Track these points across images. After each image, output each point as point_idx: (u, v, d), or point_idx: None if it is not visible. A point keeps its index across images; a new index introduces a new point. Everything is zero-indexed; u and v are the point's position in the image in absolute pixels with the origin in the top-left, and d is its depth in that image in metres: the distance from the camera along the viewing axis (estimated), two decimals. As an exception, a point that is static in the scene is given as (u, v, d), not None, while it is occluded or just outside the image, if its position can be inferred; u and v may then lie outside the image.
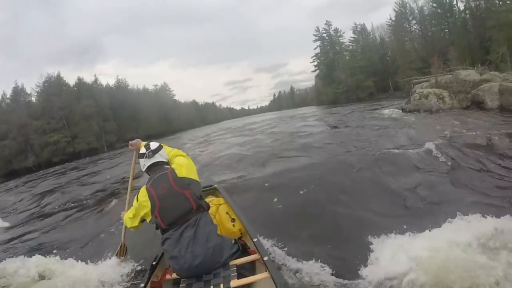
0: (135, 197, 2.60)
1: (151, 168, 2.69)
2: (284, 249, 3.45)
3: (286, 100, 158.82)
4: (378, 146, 7.56)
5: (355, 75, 59.64)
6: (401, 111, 16.97)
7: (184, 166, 2.61)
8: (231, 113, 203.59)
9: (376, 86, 58.09)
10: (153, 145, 2.79)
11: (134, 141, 3.09)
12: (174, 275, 2.52)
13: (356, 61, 60.80)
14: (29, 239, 5.95)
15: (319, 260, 3.03)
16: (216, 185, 4.14)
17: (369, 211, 4.16)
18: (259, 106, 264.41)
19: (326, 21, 71.32)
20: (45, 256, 3.86)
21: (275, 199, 4.82)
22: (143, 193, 2.52)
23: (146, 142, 2.89)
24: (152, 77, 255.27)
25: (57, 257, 3.84)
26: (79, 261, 3.82)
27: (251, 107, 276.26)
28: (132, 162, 3.46)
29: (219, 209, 3.25)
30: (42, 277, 3.54)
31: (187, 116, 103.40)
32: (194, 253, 2.28)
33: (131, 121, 75.72)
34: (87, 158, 45.46)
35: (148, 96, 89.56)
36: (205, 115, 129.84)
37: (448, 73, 20.50)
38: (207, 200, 3.03)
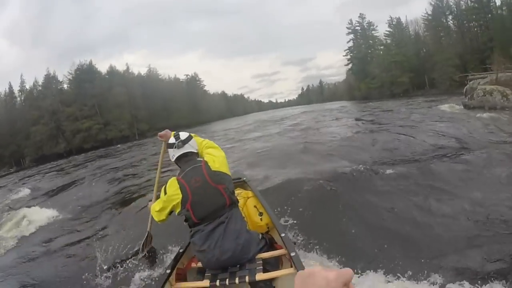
0: (163, 189, 2.51)
1: (180, 159, 2.61)
2: (314, 247, 3.55)
3: (315, 94, 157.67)
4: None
5: (390, 70, 58.36)
6: (462, 107, 16.63)
7: (217, 159, 2.54)
8: (259, 106, 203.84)
9: (411, 82, 56.50)
10: (183, 135, 2.69)
11: (163, 132, 3.01)
12: (200, 264, 2.55)
13: (391, 56, 59.20)
14: (68, 228, 6.29)
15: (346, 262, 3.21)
16: (245, 178, 4.10)
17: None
18: (286, 100, 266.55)
19: (360, 13, 70.40)
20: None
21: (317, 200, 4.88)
22: (173, 185, 2.43)
23: (175, 132, 2.80)
24: (181, 68, 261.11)
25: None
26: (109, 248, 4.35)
27: (278, 100, 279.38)
28: (160, 153, 3.45)
29: (247, 202, 3.27)
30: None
31: (217, 108, 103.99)
32: (223, 248, 2.28)
33: (162, 110, 75.89)
34: (119, 145, 46.31)
35: (179, 86, 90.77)
36: (234, 107, 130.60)
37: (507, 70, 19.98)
38: (235, 192, 2.90)
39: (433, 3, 56.38)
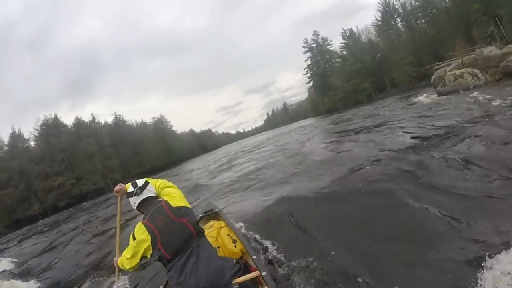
0: (131, 236, 2.55)
1: (142, 205, 2.69)
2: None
3: (280, 117, 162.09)
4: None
5: (350, 80, 59.76)
6: (436, 95, 17.32)
7: (176, 196, 2.64)
8: (228, 138, 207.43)
9: (373, 87, 58.32)
10: (140, 182, 2.79)
11: (118, 187, 2.98)
12: None
13: (349, 66, 60.97)
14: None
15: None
16: (216, 209, 4.32)
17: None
18: (253, 128, 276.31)
19: (314, 31, 72.39)
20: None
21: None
22: (140, 229, 2.49)
23: (132, 181, 2.89)
24: (145, 112, 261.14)
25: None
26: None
27: (246, 130, 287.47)
28: (117, 208, 3.42)
29: (220, 232, 3.41)
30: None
31: (187, 145, 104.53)
32: (197, 277, 2.30)
33: (134, 156, 75.43)
34: (84, 203, 44.35)
35: (147, 130, 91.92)
36: (203, 142, 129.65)
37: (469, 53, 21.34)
38: (209, 223, 3.38)
39: (381, 9, 59.45)
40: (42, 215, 53.04)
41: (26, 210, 56.39)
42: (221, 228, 3.49)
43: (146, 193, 2.70)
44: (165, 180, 2.90)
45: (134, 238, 2.50)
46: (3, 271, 9.31)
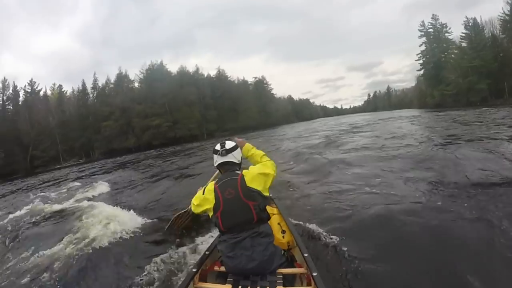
0: (203, 189, 2.74)
1: (222, 166, 2.83)
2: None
3: (381, 101, 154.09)
4: None
5: (466, 76, 54.56)
6: None
7: (256, 176, 2.64)
8: (324, 111, 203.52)
9: (489, 89, 52.18)
10: (229, 144, 2.88)
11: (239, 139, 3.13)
12: (223, 268, 2.66)
13: (468, 60, 55.00)
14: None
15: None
16: (271, 195, 4.11)
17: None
18: (351, 106, 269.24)
19: (433, 14, 67.25)
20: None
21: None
22: (210, 190, 2.64)
23: (222, 140, 2.98)
24: (246, 72, 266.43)
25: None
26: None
27: (343, 107, 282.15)
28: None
29: (271, 219, 3.29)
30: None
31: (284, 111, 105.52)
32: (250, 257, 2.41)
33: (231, 111, 77.57)
34: (188, 144, 46.78)
35: (247, 88, 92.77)
36: (300, 111, 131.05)
37: None
38: None
39: (510, 1, 51.22)
40: (136, 149, 57.65)
41: (123, 142, 62.21)
42: (273, 215, 3.47)
43: (229, 157, 2.81)
44: (266, 156, 3.00)
45: (203, 193, 2.69)
46: (102, 194, 10.58)
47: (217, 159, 2.86)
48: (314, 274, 2.43)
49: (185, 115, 67.05)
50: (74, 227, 5.93)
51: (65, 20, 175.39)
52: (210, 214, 2.65)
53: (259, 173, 2.69)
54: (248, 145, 3.08)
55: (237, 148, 2.91)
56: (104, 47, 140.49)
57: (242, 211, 2.53)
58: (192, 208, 2.86)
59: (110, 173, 18.86)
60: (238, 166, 2.89)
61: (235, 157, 2.85)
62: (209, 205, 2.61)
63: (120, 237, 5.07)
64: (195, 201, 2.79)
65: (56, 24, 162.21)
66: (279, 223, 3.42)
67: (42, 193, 13.06)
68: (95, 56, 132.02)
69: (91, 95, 71.34)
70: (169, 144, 55.84)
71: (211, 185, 2.70)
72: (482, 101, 50.23)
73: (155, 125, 63.77)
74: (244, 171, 2.72)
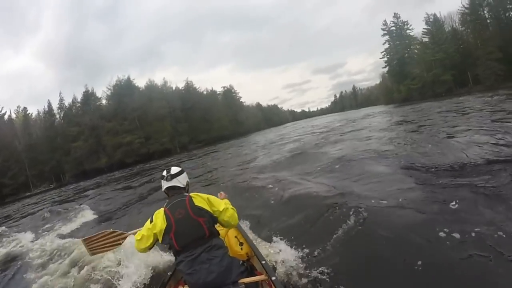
0: (148, 220, 2.78)
1: (169, 190, 2.90)
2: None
3: (348, 101, 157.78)
4: None
5: (431, 69, 56.49)
6: None
7: (205, 199, 2.76)
8: (293, 116, 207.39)
9: (453, 80, 54.31)
10: (174, 169, 2.99)
11: None
12: (187, 287, 2.66)
13: (431, 54, 57.11)
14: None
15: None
16: None
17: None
18: (319, 108, 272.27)
19: (394, 13, 69.26)
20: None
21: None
22: (160, 215, 2.69)
23: (168, 168, 3.06)
24: (214, 82, 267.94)
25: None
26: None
27: (311, 109, 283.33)
28: None
29: (228, 233, 3.58)
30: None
31: (254, 119, 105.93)
32: (209, 270, 2.47)
33: (203, 122, 76.18)
34: (162, 160, 45.13)
35: (217, 98, 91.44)
36: (269, 117, 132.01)
37: None
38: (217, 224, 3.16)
39: None
40: (108, 168, 55.23)
41: (94, 163, 59.81)
42: (229, 229, 3.56)
43: (174, 182, 2.89)
44: (235, 211, 2.95)
45: (151, 221, 2.72)
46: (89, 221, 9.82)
47: (164, 184, 2.93)
48: (273, 278, 2.61)
49: (156, 129, 65.41)
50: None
51: (26, 40, 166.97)
52: (160, 238, 2.66)
53: (208, 198, 2.79)
54: (226, 200, 3.09)
55: (182, 173, 3.00)
56: (69, 66, 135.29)
57: (193, 228, 2.60)
58: (136, 246, 2.85)
59: (82, 199, 17.01)
60: (184, 190, 2.95)
61: (180, 181, 2.93)
62: (160, 228, 2.63)
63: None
64: (138, 235, 2.82)
65: (17, 45, 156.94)
66: (236, 236, 3.56)
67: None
68: (60, 76, 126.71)
69: (58, 116, 68.10)
70: (142, 161, 54.55)
71: (159, 211, 2.74)
72: (448, 92, 52.12)
73: (127, 142, 61.74)
74: (192, 194, 2.80)
